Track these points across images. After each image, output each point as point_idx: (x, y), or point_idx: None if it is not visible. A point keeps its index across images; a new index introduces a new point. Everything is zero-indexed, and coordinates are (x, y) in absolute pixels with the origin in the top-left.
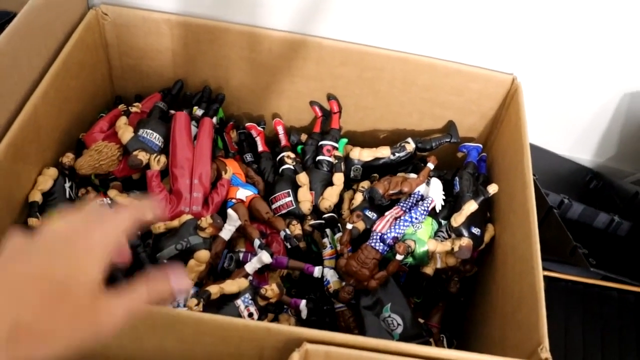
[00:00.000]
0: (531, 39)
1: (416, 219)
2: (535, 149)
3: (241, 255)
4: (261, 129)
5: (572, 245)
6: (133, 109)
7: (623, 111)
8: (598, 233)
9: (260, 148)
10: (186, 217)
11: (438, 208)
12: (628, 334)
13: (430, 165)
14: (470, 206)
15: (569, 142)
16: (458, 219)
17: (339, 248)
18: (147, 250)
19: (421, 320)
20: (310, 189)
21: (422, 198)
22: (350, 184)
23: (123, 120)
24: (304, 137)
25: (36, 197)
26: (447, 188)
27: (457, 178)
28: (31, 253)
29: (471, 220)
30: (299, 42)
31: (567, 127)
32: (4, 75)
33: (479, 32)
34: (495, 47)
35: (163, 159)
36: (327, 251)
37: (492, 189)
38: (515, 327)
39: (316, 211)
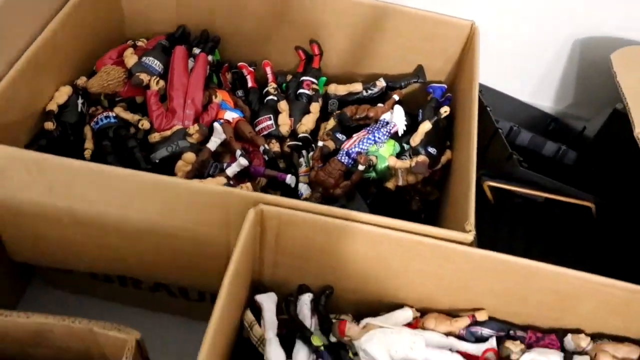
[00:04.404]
0: None
1: (379, 138)
2: (499, 95)
3: (225, 164)
4: (252, 69)
5: (508, 153)
6: (139, 43)
7: (576, 58)
8: (546, 161)
9: (249, 84)
10: (177, 127)
11: (400, 132)
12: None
13: (396, 97)
14: (425, 126)
15: (529, 89)
16: (415, 139)
17: (311, 163)
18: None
19: None
20: (290, 117)
21: (387, 124)
22: (327, 117)
23: (130, 50)
24: (289, 77)
25: (52, 106)
26: (414, 123)
27: (420, 110)
28: None
29: (428, 141)
30: None
31: (526, 74)
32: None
33: None
34: None
35: (162, 82)
36: (303, 169)
37: (444, 110)
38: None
39: (294, 138)
